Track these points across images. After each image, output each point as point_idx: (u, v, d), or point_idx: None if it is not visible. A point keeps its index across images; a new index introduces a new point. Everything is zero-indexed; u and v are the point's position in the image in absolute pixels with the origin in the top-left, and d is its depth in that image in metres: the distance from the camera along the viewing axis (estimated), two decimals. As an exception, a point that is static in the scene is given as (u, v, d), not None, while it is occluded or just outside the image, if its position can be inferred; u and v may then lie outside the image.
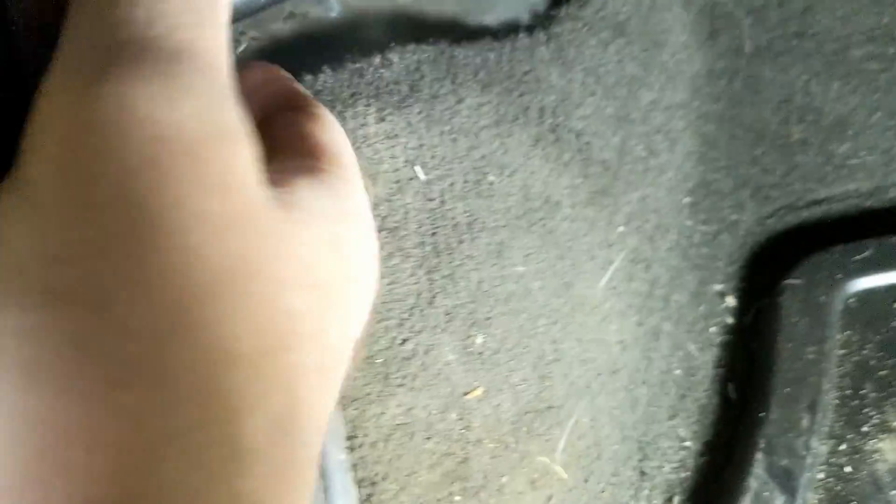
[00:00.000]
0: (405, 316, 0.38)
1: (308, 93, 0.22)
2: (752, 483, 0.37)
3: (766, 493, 0.37)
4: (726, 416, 0.40)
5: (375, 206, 0.38)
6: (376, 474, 0.37)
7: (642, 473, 0.38)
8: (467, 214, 0.38)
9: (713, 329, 0.41)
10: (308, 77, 0.37)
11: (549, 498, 0.37)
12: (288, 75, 0.24)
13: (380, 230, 0.38)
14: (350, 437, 0.37)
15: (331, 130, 0.19)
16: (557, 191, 0.40)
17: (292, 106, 0.20)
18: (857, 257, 0.41)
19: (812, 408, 0.38)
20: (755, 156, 0.44)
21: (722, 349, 0.41)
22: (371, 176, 0.38)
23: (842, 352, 0.40)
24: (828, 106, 0.45)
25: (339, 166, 0.17)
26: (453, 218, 0.38)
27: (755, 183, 0.44)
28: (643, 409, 0.39)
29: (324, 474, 0.36)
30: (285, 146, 0.17)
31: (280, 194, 0.15)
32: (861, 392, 0.39)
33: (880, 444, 0.38)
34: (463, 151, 0.39)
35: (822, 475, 0.38)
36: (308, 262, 0.14)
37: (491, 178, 0.39)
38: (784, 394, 0.39)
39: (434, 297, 0.38)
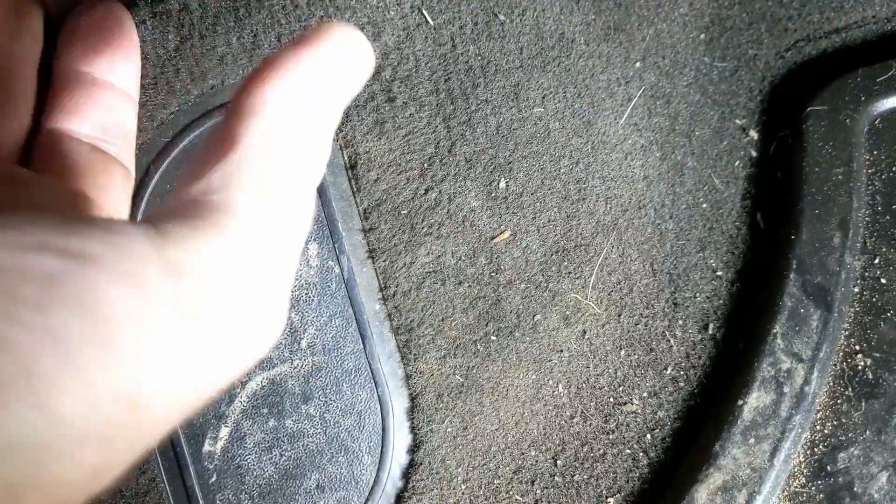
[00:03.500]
0: (425, 166, 0.37)
1: None
2: (787, 302, 0.37)
3: (802, 310, 0.37)
4: (756, 244, 0.40)
5: (385, 55, 0.37)
6: (412, 321, 0.37)
7: (675, 304, 0.38)
8: (480, 57, 0.38)
9: (737, 163, 0.41)
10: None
11: (584, 333, 0.37)
12: None
13: (392, 80, 0.37)
14: (382, 289, 0.37)
15: None
16: (570, 28, 0.38)
17: None
18: (881, 78, 0.40)
19: (843, 225, 0.38)
20: (770, -12, 0.43)
21: (748, 181, 0.40)
22: (377, 24, 0.37)
23: (870, 171, 0.39)
24: (842, -70, 0.43)
25: None
26: (466, 62, 0.37)
27: (771, 16, 0.43)
28: (672, 243, 0.39)
29: (360, 325, 0.36)
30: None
31: None
32: (893, 207, 0.39)
33: (914, 256, 0.38)
34: (470, -7, 0.38)
35: (856, 289, 0.38)
36: None
37: (501, 17, 0.38)
38: (814, 215, 0.38)
39: (453, 144, 0.37)
